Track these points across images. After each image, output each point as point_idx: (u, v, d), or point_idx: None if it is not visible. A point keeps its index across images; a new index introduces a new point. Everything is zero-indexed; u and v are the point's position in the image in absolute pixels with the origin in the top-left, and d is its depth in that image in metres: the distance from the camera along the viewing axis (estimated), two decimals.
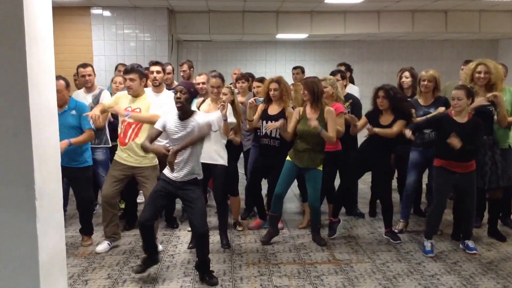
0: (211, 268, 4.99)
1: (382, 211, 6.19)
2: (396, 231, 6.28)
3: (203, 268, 4.93)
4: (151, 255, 4.99)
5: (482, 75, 5.82)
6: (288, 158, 5.95)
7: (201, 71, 8.84)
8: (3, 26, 3.12)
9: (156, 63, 6.54)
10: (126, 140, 5.54)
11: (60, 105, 5.23)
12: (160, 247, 5.75)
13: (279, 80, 6.24)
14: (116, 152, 5.71)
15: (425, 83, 6.17)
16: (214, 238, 6.02)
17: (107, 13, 10.76)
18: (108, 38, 10.79)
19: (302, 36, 12.27)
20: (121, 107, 5.56)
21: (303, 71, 8.80)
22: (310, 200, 5.95)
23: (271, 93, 6.20)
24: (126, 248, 5.82)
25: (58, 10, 9.59)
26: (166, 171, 4.84)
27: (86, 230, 6.02)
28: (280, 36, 12.15)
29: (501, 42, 13.63)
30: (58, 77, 5.16)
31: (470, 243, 5.70)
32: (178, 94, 4.73)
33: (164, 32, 10.93)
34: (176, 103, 4.76)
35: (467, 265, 5.34)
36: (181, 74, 7.99)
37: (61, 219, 3.78)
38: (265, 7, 11.05)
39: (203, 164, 5.16)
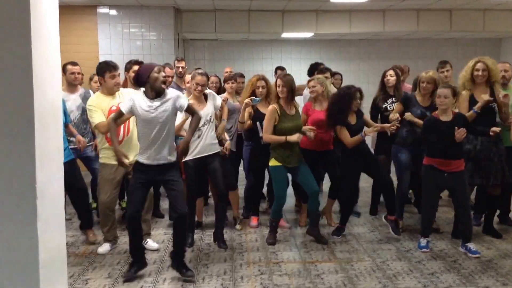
0: (210, 265, 5.04)
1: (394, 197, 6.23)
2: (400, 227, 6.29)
3: (180, 259, 4.97)
4: (139, 258, 5.00)
5: (480, 73, 5.84)
6: (274, 163, 5.86)
7: (208, 70, 8.88)
8: (10, 25, 3.15)
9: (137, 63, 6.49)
10: (119, 138, 5.48)
11: None
12: (156, 245, 5.88)
13: (265, 78, 6.30)
14: (103, 155, 5.59)
15: (424, 85, 6.14)
16: (212, 238, 6.09)
17: (113, 12, 10.82)
18: (114, 37, 10.85)
19: (308, 35, 12.29)
20: (106, 109, 5.49)
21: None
22: (310, 189, 5.91)
23: (259, 90, 6.23)
24: (127, 248, 5.82)
25: (65, 9, 9.63)
26: (140, 157, 4.85)
27: (88, 223, 6.10)
28: (285, 35, 12.18)
29: (504, 41, 13.61)
30: None
31: (472, 246, 5.62)
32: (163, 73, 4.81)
33: (170, 31, 10.99)
34: (163, 83, 4.82)
35: (467, 263, 5.35)
36: (180, 70, 7.70)
37: (62, 218, 3.80)
38: (271, 6, 11.08)
39: (199, 158, 5.56)
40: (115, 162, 5.32)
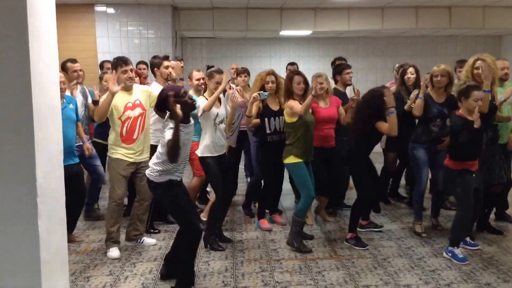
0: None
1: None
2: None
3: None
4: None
5: (480, 71, 5.78)
6: (294, 160, 5.73)
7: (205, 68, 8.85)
8: (7, 24, 3.14)
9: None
10: (135, 136, 5.52)
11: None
12: (153, 241, 5.90)
13: (275, 73, 6.26)
14: (116, 151, 5.53)
15: (438, 78, 5.97)
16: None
17: (111, 10, 10.78)
18: (112, 35, 10.81)
19: (306, 32, 12.27)
20: (120, 104, 5.46)
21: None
22: (314, 191, 5.85)
23: (269, 86, 6.17)
24: (128, 245, 5.84)
25: (62, 8, 9.63)
26: (175, 175, 4.59)
27: (73, 227, 6.04)
28: (284, 32, 12.15)
29: (504, 38, 13.60)
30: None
31: (468, 239, 5.69)
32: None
33: (168, 29, 10.95)
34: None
35: (468, 260, 5.33)
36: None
37: (63, 216, 3.80)
38: (269, 3, 11.05)
39: (217, 157, 5.62)
40: (128, 159, 5.48)
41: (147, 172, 4.57)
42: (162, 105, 4.43)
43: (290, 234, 5.79)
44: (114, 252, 5.53)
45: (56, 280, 3.61)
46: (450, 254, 5.37)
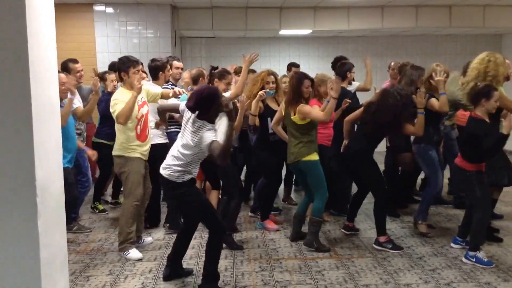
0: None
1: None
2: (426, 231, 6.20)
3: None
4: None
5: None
6: (316, 157, 5.68)
7: (205, 67, 8.85)
8: (5, 23, 3.13)
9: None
10: (147, 133, 5.58)
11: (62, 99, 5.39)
12: (150, 239, 5.92)
13: (275, 73, 6.26)
14: (134, 150, 5.46)
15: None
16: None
17: (110, 9, 10.78)
18: (111, 35, 10.81)
19: (306, 32, 12.26)
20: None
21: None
22: (311, 189, 5.89)
23: (269, 86, 6.17)
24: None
25: (61, 7, 9.64)
26: (193, 173, 4.61)
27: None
28: (283, 32, 12.15)
29: (504, 36, 13.61)
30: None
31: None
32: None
33: (167, 28, 10.95)
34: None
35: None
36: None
37: (63, 216, 3.79)
38: (269, 2, 11.06)
39: None
40: (144, 158, 5.54)
41: (165, 173, 4.48)
42: (209, 106, 4.39)
43: (309, 235, 5.73)
44: (136, 252, 5.49)
45: (56, 280, 3.60)
46: (474, 260, 5.21)
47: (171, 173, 4.44)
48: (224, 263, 5.28)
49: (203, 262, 4.59)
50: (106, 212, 7.30)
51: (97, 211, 7.21)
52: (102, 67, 9.46)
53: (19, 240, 3.27)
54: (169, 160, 4.51)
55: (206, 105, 4.37)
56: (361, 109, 5.90)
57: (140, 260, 5.40)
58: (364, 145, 5.75)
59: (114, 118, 5.36)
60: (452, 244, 5.66)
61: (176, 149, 4.48)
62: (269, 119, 6.19)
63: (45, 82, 3.45)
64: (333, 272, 5.05)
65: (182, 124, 4.54)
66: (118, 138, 5.49)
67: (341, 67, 7.04)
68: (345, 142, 5.99)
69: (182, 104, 4.69)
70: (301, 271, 5.08)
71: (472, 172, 5.25)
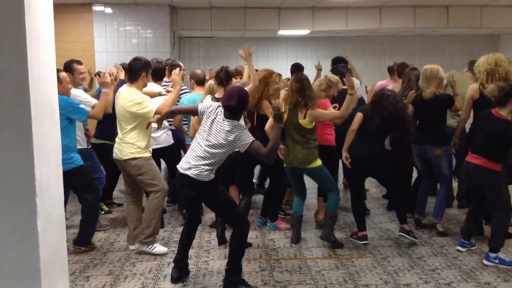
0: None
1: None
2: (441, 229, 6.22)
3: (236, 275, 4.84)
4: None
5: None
6: (320, 162, 5.78)
7: (203, 67, 8.86)
8: (4, 23, 3.12)
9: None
10: None
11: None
12: (164, 249, 5.74)
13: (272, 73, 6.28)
14: (148, 149, 5.55)
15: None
16: (212, 235, 6.08)
17: (108, 10, 10.78)
18: (110, 35, 10.81)
19: (304, 32, 12.27)
20: None
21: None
22: (324, 190, 6.06)
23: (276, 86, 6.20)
24: (127, 245, 5.81)
25: (60, 7, 9.61)
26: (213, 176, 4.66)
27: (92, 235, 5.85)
28: (282, 32, 12.16)
29: (502, 37, 13.63)
30: (58, 70, 5.20)
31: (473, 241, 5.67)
32: None
33: (166, 29, 10.95)
34: None
35: (468, 259, 5.35)
36: None
37: (62, 215, 3.78)
38: (267, 3, 11.06)
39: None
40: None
41: (192, 173, 4.47)
42: (245, 106, 4.61)
43: (327, 229, 5.78)
44: (161, 247, 5.60)
45: (56, 280, 3.59)
46: (497, 261, 5.18)
47: (199, 173, 4.47)
48: (223, 263, 5.26)
49: (228, 255, 4.71)
50: (112, 212, 7.27)
51: (103, 212, 7.15)
52: (101, 67, 9.48)
53: (19, 240, 3.26)
54: (193, 160, 4.52)
55: (244, 105, 4.55)
56: (360, 116, 5.83)
57: (164, 254, 5.52)
58: (382, 147, 5.95)
59: (147, 114, 5.29)
60: (458, 248, 5.60)
61: (200, 149, 4.51)
62: None
63: (44, 82, 3.44)
64: (333, 272, 5.04)
65: (204, 124, 4.60)
66: (137, 141, 5.42)
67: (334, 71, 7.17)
68: (346, 154, 5.80)
69: (202, 106, 4.75)
70: (301, 271, 5.08)
71: (499, 173, 5.27)
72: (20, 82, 3.16)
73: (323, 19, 11.65)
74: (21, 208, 3.25)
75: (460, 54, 13.08)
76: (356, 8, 11.50)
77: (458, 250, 5.58)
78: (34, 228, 3.26)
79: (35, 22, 3.29)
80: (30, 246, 3.27)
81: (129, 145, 5.40)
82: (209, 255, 5.54)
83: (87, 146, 6.48)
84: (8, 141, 3.21)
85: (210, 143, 4.47)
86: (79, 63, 6.56)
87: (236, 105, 4.42)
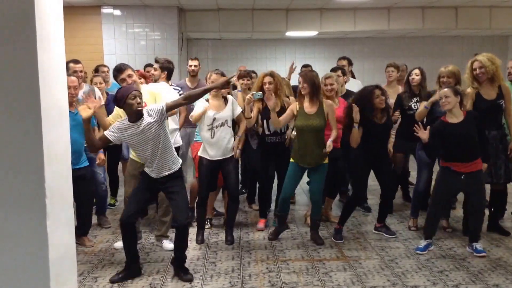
0: (223, 265, 5.02)
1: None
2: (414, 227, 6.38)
3: (179, 263, 4.98)
4: (131, 264, 4.96)
5: (477, 71, 5.79)
6: (292, 159, 5.89)
7: (211, 69, 8.86)
8: (15, 26, 3.16)
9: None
10: None
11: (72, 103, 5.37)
12: (171, 246, 5.73)
13: (272, 74, 6.24)
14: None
15: (444, 79, 6.02)
16: (219, 236, 6.10)
17: (117, 12, 10.84)
18: (119, 37, 10.89)
19: (312, 33, 12.28)
20: None
21: (350, 63, 8.40)
22: (314, 194, 5.99)
23: (266, 86, 6.13)
24: None
25: (69, 10, 9.65)
26: (146, 170, 4.86)
27: (85, 230, 5.97)
28: (289, 33, 12.17)
29: (511, 38, 13.58)
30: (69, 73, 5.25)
31: (478, 246, 5.54)
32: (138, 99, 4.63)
33: (174, 30, 11.00)
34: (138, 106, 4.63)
35: (476, 261, 5.32)
36: (192, 68, 7.93)
37: (71, 217, 3.82)
38: (275, 4, 11.07)
39: (215, 161, 5.70)
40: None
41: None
42: (116, 103, 4.80)
43: (315, 233, 6.03)
44: (169, 243, 5.75)
45: (65, 280, 3.62)
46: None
47: None
48: (231, 264, 5.29)
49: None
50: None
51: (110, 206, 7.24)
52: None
53: (28, 240, 3.30)
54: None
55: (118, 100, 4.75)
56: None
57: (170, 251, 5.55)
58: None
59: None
60: (475, 254, 5.52)
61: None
62: (265, 121, 6.30)
63: (54, 84, 3.48)
64: (341, 274, 5.04)
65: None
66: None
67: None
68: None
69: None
70: (308, 273, 5.08)
71: (441, 167, 5.60)
72: (30, 84, 3.20)
73: (331, 20, 11.66)
74: (31, 209, 3.28)
75: (469, 56, 12.96)
76: (364, 9, 11.50)
77: (475, 255, 5.54)
78: (44, 229, 3.30)
79: (45, 25, 3.33)
80: (40, 246, 3.30)
81: None
82: (216, 256, 5.54)
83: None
84: (18, 143, 3.25)
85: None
86: (75, 62, 6.55)
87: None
